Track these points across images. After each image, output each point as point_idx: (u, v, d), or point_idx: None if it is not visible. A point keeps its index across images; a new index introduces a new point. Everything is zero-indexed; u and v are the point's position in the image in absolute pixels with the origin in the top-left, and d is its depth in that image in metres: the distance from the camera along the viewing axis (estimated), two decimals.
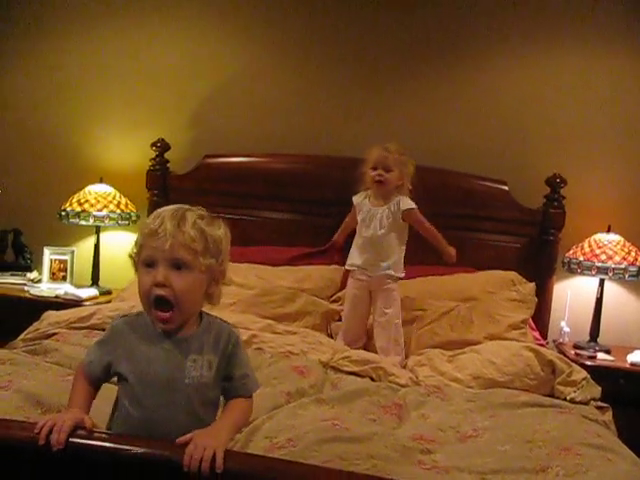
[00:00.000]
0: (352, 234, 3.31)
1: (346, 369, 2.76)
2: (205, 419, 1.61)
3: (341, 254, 3.54)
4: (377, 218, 3.10)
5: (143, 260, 1.60)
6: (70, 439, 1.47)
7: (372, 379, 2.71)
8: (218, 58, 4.11)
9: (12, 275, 4.01)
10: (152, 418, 1.58)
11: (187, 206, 1.68)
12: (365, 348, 3.14)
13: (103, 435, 1.53)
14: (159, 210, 1.64)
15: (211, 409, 1.66)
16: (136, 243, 1.64)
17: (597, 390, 2.72)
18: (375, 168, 3.09)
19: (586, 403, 2.63)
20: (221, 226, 1.67)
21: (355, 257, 3.19)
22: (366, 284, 3.15)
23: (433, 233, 3.20)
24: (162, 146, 3.92)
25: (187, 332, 1.63)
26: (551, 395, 2.69)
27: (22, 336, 2.85)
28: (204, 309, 1.69)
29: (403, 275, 3.18)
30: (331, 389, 2.56)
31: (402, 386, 2.65)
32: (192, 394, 1.60)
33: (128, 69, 4.16)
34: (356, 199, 3.22)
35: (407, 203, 3.10)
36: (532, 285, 3.44)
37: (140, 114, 4.15)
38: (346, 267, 3.24)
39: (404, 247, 3.17)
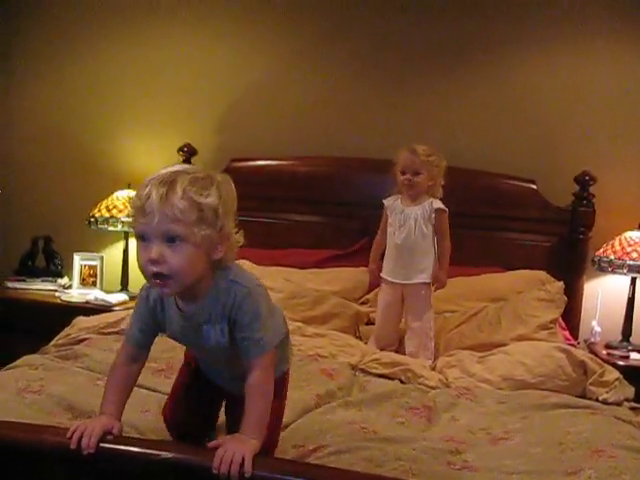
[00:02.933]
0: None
1: (375, 371, 2.74)
2: (239, 361, 1.67)
3: (369, 255, 3.54)
4: (411, 218, 3.04)
5: (137, 234, 1.54)
6: (101, 444, 1.49)
7: (401, 381, 2.69)
8: (243, 63, 4.12)
9: (43, 281, 4.06)
10: (201, 361, 1.81)
11: (178, 167, 1.59)
12: (397, 352, 3.10)
13: (133, 440, 1.55)
14: (149, 177, 1.54)
15: None
16: (130, 215, 1.60)
17: (630, 390, 2.68)
18: (404, 172, 3.07)
19: (619, 404, 2.59)
20: (219, 187, 1.55)
21: (389, 265, 3.13)
22: (399, 289, 3.11)
23: (446, 250, 3.10)
24: (189, 151, 3.95)
25: (197, 304, 1.62)
26: (583, 396, 2.65)
27: (54, 341, 2.88)
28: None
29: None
30: (359, 392, 2.55)
31: (431, 388, 2.63)
32: (220, 353, 1.68)
33: (154, 75, 4.19)
34: (387, 201, 3.18)
35: (439, 203, 3.07)
36: (560, 284, 3.39)
37: (167, 119, 4.18)
38: (382, 276, 3.16)
39: (435, 257, 3.11)
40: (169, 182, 1.50)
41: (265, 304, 1.65)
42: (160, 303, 1.68)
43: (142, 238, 1.53)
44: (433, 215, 3.04)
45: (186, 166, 1.63)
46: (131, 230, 3.83)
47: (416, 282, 3.07)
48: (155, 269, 1.51)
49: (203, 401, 1.86)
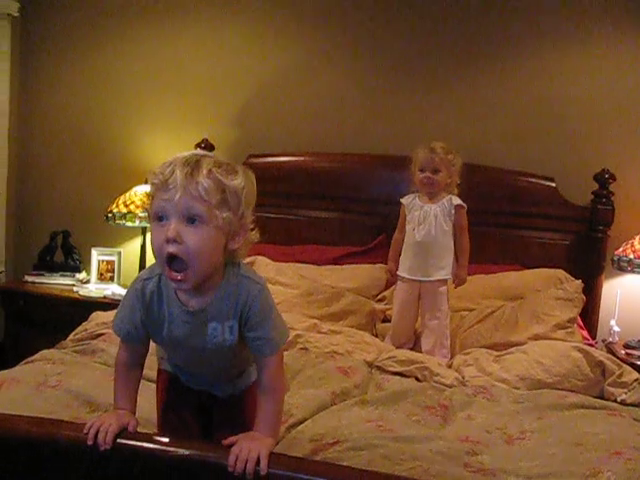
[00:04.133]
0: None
1: (391, 369, 2.73)
2: (241, 356, 1.66)
3: (386, 252, 3.54)
4: (431, 215, 3.03)
5: (154, 213, 1.48)
6: (117, 440, 1.50)
7: (417, 379, 2.68)
8: (260, 59, 4.12)
9: (61, 276, 4.09)
10: (186, 369, 1.71)
11: (203, 152, 1.56)
12: (413, 350, 3.10)
13: (149, 436, 1.55)
14: (172, 157, 1.49)
15: (246, 347, 1.63)
16: (148, 194, 1.54)
17: None
18: (422, 170, 3.05)
19: (638, 405, 2.55)
20: (243, 174, 1.52)
21: (407, 263, 3.11)
22: (417, 287, 3.09)
23: (465, 247, 3.09)
24: (206, 146, 3.95)
25: (205, 299, 1.56)
26: (601, 397, 2.62)
27: (71, 336, 2.89)
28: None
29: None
30: (375, 390, 2.54)
31: (448, 386, 2.61)
32: (219, 354, 1.62)
33: (172, 71, 4.20)
34: (405, 200, 3.16)
35: (458, 200, 3.06)
36: (579, 283, 3.35)
37: (184, 115, 4.19)
38: (398, 274, 3.15)
39: (453, 253, 3.10)
40: (194, 162, 1.46)
41: (273, 301, 1.64)
42: (158, 298, 1.59)
43: (159, 218, 1.47)
44: (453, 211, 3.03)
45: (208, 152, 1.59)
46: (149, 225, 3.87)
47: (435, 279, 3.06)
48: (171, 249, 1.44)
49: (190, 410, 1.76)
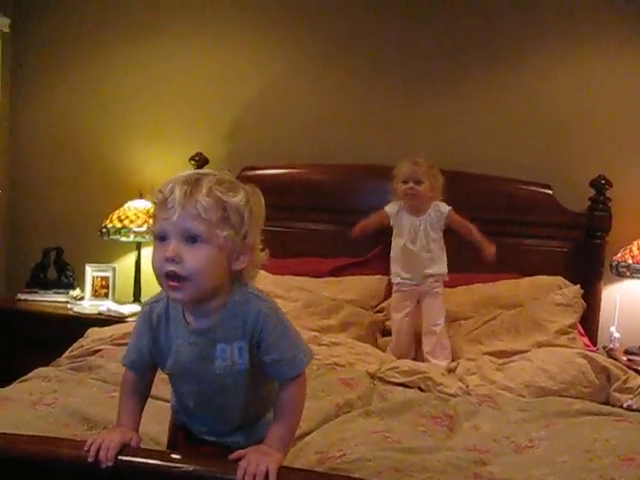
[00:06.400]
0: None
1: (394, 380, 2.70)
2: (257, 396, 1.57)
3: (384, 263, 3.52)
4: (421, 230, 3.08)
5: (156, 233, 1.46)
6: (119, 457, 1.45)
7: (421, 389, 2.65)
8: (253, 70, 4.10)
9: (55, 293, 4.03)
10: (196, 411, 1.59)
11: (206, 170, 1.51)
12: (414, 357, 3.10)
13: (153, 453, 1.51)
14: (174, 176, 1.46)
15: (263, 386, 1.57)
16: (151, 214, 1.52)
17: None
18: (406, 182, 3.07)
19: None
20: (247, 192, 1.48)
21: (400, 273, 3.14)
22: (415, 294, 3.11)
23: (474, 229, 3.13)
24: (200, 160, 3.92)
25: (212, 319, 1.50)
26: (606, 403, 2.61)
27: (67, 353, 2.85)
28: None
29: (447, 277, 3.15)
30: (379, 401, 2.51)
31: (452, 396, 2.58)
32: (228, 382, 1.53)
33: (165, 85, 4.17)
34: (390, 209, 3.18)
35: (445, 206, 3.10)
36: (577, 287, 3.35)
37: (178, 129, 4.16)
38: (393, 282, 3.18)
39: (445, 250, 3.14)
40: (194, 180, 1.43)
41: (287, 320, 1.56)
42: (165, 320, 1.55)
43: (161, 238, 1.44)
44: (442, 222, 3.08)
45: (212, 170, 1.54)
46: (144, 239, 3.87)
47: (430, 274, 3.08)
48: (170, 267, 1.41)
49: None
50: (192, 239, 1.42)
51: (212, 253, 1.43)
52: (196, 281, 1.43)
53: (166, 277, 1.44)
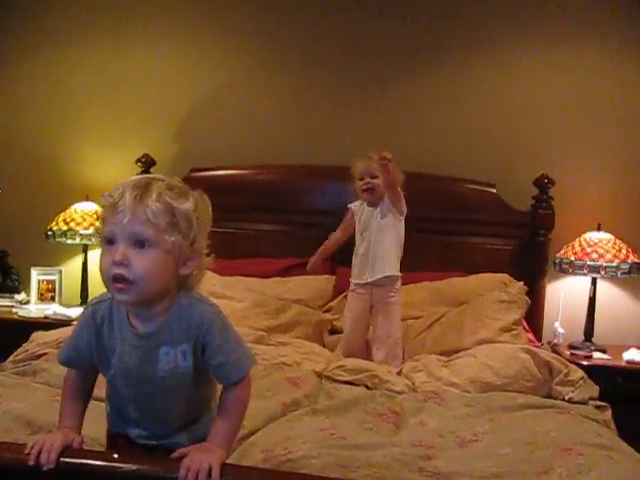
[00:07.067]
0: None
1: (341, 378, 2.72)
2: (198, 397, 1.57)
3: (331, 263, 3.54)
4: (374, 219, 3.07)
5: (104, 237, 1.45)
6: (61, 458, 1.44)
7: (367, 387, 2.67)
8: (202, 71, 4.10)
9: None
10: (135, 414, 1.58)
11: (155, 175, 1.53)
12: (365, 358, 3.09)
13: (94, 453, 1.50)
14: (124, 180, 1.47)
15: (204, 387, 1.59)
16: (99, 218, 1.50)
17: (595, 389, 2.70)
18: (362, 178, 3.09)
19: (585, 403, 2.61)
20: (197, 198, 1.49)
21: (359, 271, 3.12)
22: (368, 297, 3.09)
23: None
24: (147, 161, 3.89)
25: (156, 322, 1.50)
26: (549, 396, 2.67)
27: (11, 358, 2.80)
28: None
29: (400, 280, 3.12)
30: (326, 399, 2.52)
31: (398, 393, 2.61)
32: (171, 384, 1.53)
33: (112, 87, 4.14)
34: (354, 206, 3.19)
35: None
36: (521, 284, 3.40)
37: (124, 130, 4.13)
38: (350, 280, 3.17)
39: (401, 252, 3.11)
40: (144, 185, 1.44)
41: (231, 324, 1.58)
42: (109, 321, 1.54)
43: (109, 241, 1.44)
44: (393, 209, 3.04)
45: (161, 175, 1.55)
46: (90, 242, 3.83)
47: (384, 288, 3.06)
48: (117, 271, 1.41)
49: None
50: (140, 243, 1.42)
51: (160, 258, 1.44)
52: (142, 285, 1.43)
53: (113, 280, 1.43)
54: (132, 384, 1.56)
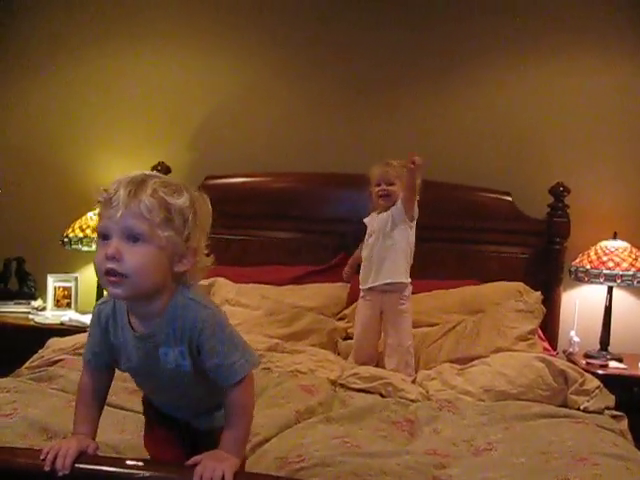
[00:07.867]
0: None
1: (355, 386, 2.72)
2: (215, 386, 1.55)
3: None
4: (381, 225, 3.06)
5: (99, 231, 1.47)
6: (76, 464, 1.45)
7: (382, 395, 2.66)
8: (216, 79, 4.12)
9: (16, 304, 3.99)
10: (157, 398, 1.67)
11: (152, 172, 1.53)
12: (376, 365, 3.09)
13: (109, 460, 1.51)
14: (119, 176, 1.48)
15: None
16: (97, 213, 1.52)
17: (611, 398, 2.67)
18: (378, 184, 3.09)
19: (600, 412, 2.58)
20: (194, 196, 1.49)
21: (364, 275, 3.13)
22: (377, 304, 3.09)
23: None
24: (162, 169, 3.90)
25: (153, 323, 1.51)
26: (564, 405, 2.64)
27: (27, 364, 2.82)
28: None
29: (410, 287, 3.10)
30: (340, 407, 2.52)
31: (412, 401, 2.60)
32: (183, 383, 1.56)
33: (128, 95, 4.17)
34: (366, 220, 3.19)
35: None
36: (538, 294, 3.39)
37: (140, 138, 4.16)
38: (360, 288, 3.16)
39: (411, 258, 3.09)
40: (140, 180, 1.45)
41: (229, 326, 1.56)
42: (113, 322, 1.57)
43: (104, 236, 1.45)
44: (403, 213, 3.00)
45: (158, 173, 1.56)
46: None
47: (384, 283, 3.04)
48: (110, 265, 1.41)
49: (172, 436, 1.69)
50: (134, 238, 1.42)
51: (153, 253, 1.44)
52: (135, 279, 1.43)
53: (106, 274, 1.44)
54: (143, 378, 1.63)
